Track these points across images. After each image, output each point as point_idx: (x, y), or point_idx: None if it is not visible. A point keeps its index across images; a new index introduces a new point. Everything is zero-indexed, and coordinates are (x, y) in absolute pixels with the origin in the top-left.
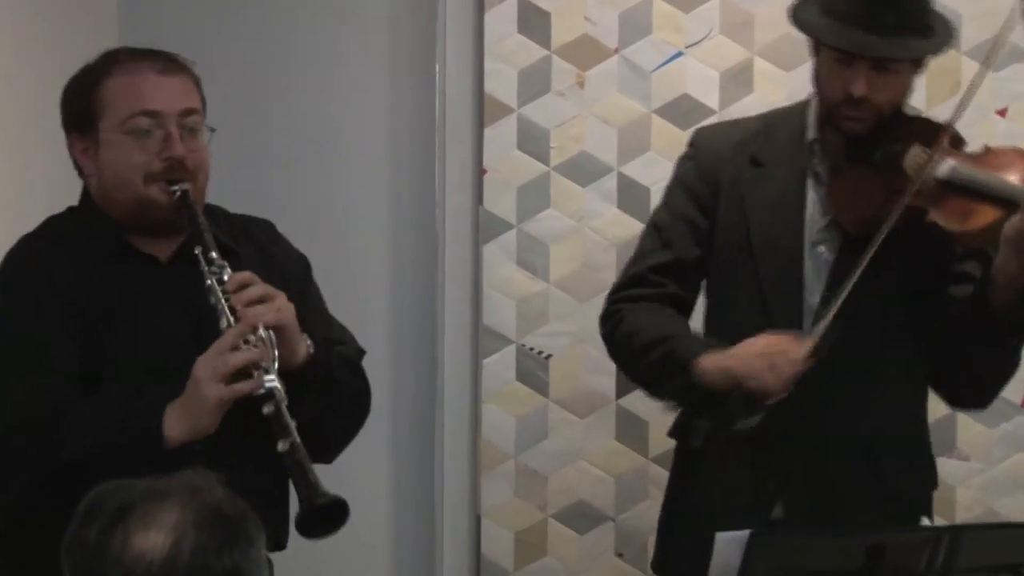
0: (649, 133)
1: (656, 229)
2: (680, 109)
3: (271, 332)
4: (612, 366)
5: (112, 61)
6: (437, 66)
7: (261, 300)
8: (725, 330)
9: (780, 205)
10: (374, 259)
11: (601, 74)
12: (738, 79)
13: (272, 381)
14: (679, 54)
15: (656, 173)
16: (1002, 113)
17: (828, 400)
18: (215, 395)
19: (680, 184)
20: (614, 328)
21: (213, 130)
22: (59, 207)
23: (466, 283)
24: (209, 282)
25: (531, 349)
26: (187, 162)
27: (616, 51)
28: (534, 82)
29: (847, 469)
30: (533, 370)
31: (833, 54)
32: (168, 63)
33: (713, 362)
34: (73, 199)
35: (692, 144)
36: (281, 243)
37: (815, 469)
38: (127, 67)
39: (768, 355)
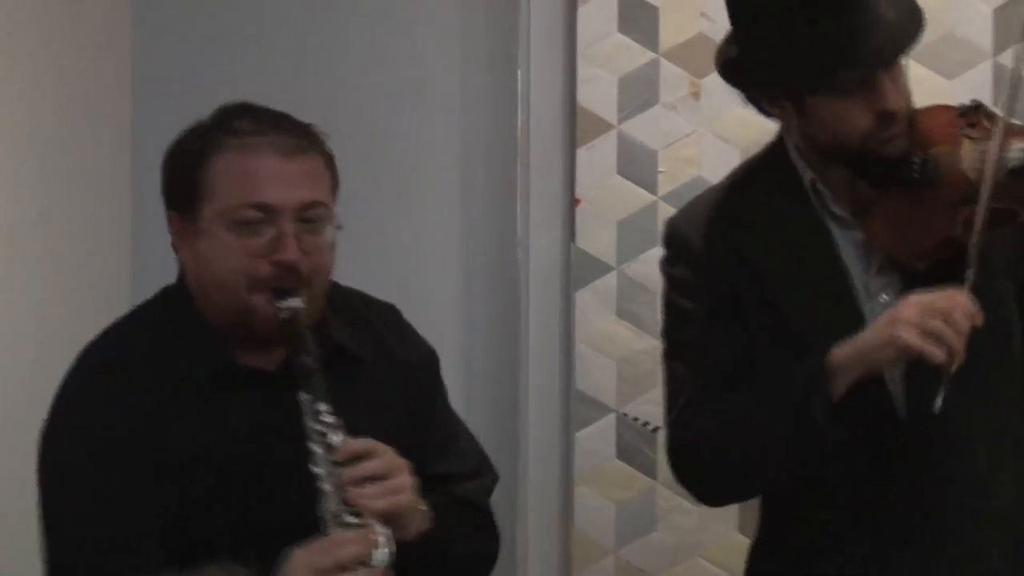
0: None
1: (680, 351)
2: None
3: (393, 544)
4: None
5: (227, 131)
6: (519, 72)
7: (374, 478)
8: None
9: (809, 266)
10: (443, 308)
11: (720, 83)
12: None
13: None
14: None
15: None
16: None
17: (947, 467)
18: None
19: (678, 289)
20: (689, 438)
21: (339, 228)
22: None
23: (554, 339)
24: (317, 450)
25: (635, 419)
26: (301, 268)
27: None
28: (638, 92)
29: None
30: (637, 445)
31: (838, 87)
32: (296, 141)
33: (857, 349)
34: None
35: (669, 240)
36: (406, 334)
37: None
38: (243, 144)
39: (934, 310)
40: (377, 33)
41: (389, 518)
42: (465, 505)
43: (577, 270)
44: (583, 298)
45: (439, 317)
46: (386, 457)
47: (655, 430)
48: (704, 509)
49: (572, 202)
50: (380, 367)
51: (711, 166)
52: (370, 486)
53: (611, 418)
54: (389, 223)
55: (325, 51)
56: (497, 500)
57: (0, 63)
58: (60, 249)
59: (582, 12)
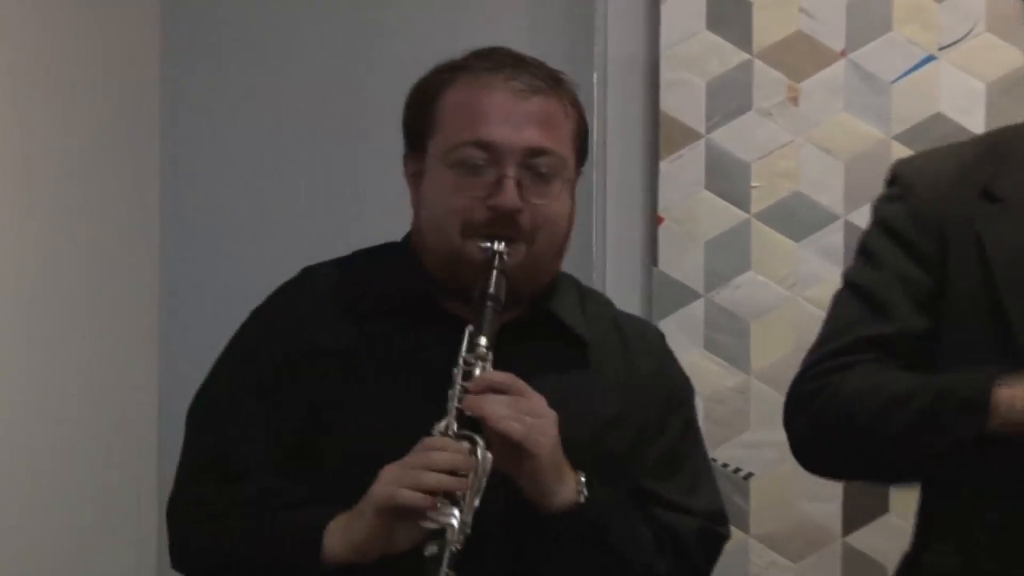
0: (888, 167)
1: (862, 292)
2: (931, 133)
3: (488, 455)
4: (837, 489)
5: (463, 67)
6: (595, 75)
7: (506, 396)
8: None
9: None
10: None
11: (822, 86)
12: (1012, 92)
13: (450, 517)
14: (930, 59)
15: None
16: None
17: None
18: (372, 503)
19: (888, 233)
20: (826, 401)
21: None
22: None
23: None
24: (454, 370)
25: (725, 466)
26: (521, 218)
27: (843, 54)
28: (729, 97)
29: None
30: (728, 494)
31: None
32: (534, 81)
33: None
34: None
35: (895, 180)
36: (662, 356)
37: None
38: (476, 77)
39: None
40: (437, 33)
41: (509, 449)
42: (663, 528)
43: (659, 297)
44: (666, 328)
45: None
46: (531, 392)
47: (748, 477)
48: (804, 565)
49: (654, 221)
50: (610, 360)
51: (811, 180)
52: (498, 405)
53: None
54: None
55: (391, 50)
56: None
57: (22, 55)
58: (89, 251)
59: (666, 8)
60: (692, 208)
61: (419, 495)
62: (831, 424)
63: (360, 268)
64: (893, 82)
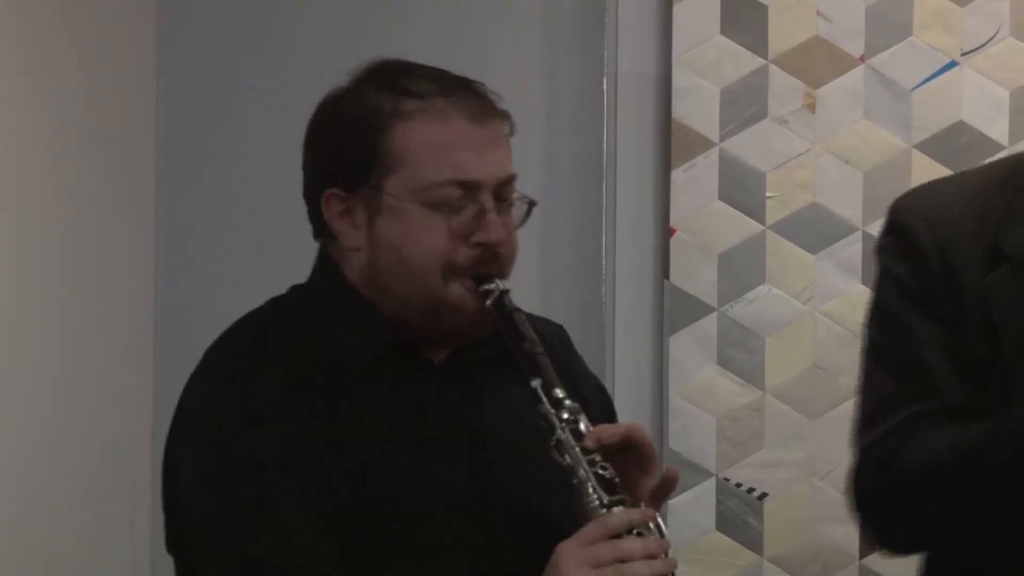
0: (908, 176)
1: (898, 364)
2: (953, 143)
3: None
4: None
5: (402, 92)
6: (605, 81)
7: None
8: None
9: None
10: None
11: (840, 93)
12: None
13: None
14: (952, 64)
15: None
16: None
17: None
18: None
19: (903, 293)
20: (900, 477)
21: (533, 203)
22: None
23: (645, 390)
24: (562, 436)
25: (738, 485)
26: (502, 251)
27: (862, 60)
28: (744, 105)
29: None
30: (741, 515)
31: None
32: (482, 104)
33: None
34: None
35: (898, 231)
36: (578, 358)
37: None
38: (433, 110)
39: None
40: (446, 36)
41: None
42: None
43: (671, 312)
44: (679, 344)
45: None
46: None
47: (762, 497)
48: None
49: (666, 232)
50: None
51: (828, 190)
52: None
53: (710, 484)
54: None
55: (397, 56)
56: None
57: (18, 63)
58: (82, 256)
59: (679, 11)
60: (705, 219)
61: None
62: (914, 501)
63: (312, 318)
64: (914, 89)
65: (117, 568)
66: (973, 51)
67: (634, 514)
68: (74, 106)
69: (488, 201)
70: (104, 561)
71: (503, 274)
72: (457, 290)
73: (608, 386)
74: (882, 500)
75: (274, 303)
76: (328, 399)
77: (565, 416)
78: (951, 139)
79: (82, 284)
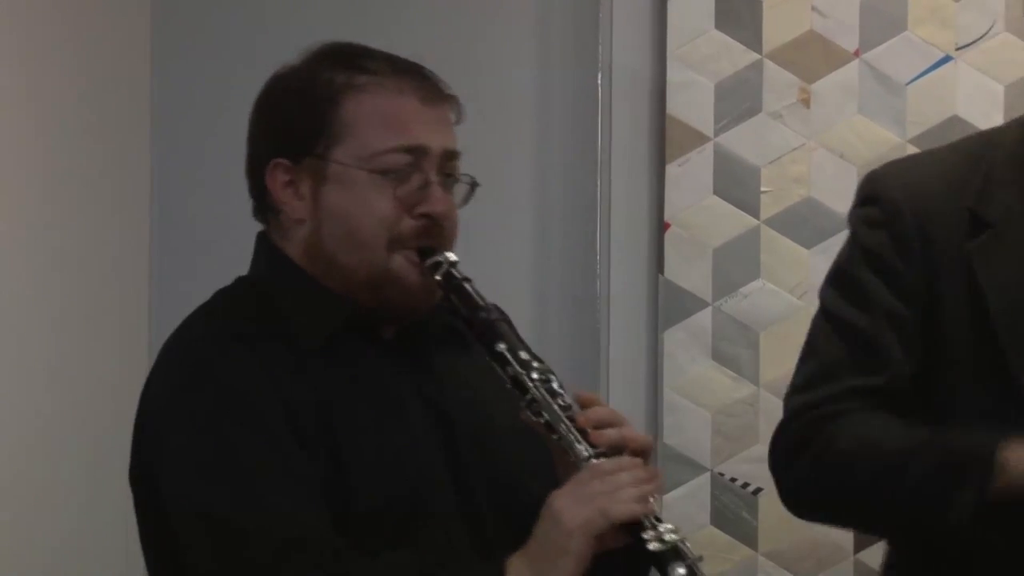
0: None
1: (848, 331)
2: (948, 136)
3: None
4: None
5: (356, 69)
6: (600, 76)
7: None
8: None
9: None
10: None
11: (835, 88)
12: None
13: (673, 534)
14: (946, 59)
15: None
16: None
17: None
18: (582, 530)
19: (871, 262)
20: (820, 453)
21: (475, 184)
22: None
23: (639, 386)
24: (537, 395)
25: (733, 480)
26: (447, 224)
27: (856, 55)
28: (739, 99)
29: None
30: (736, 510)
31: None
32: (432, 87)
33: None
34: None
35: (875, 200)
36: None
37: None
38: (387, 84)
39: None
40: (439, 32)
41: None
42: None
43: (666, 307)
44: (673, 339)
45: None
46: (612, 410)
47: (756, 492)
48: None
49: (660, 227)
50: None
51: (823, 185)
52: (612, 430)
53: (705, 479)
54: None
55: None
56: None
57: (14, 60)
58: (78, 252)
59: (672, 6)
60: (700, 214)
61: (637, 506)
62: (827, 482)
63: (262, 302)
64: (908, 83)
65: (111, 564)
66: (968, 46)
67: (623, 460)
68: (69, 103)
69: (433, 173)
70: (98, 557)
71: (446, 248)
72: (400, 262)
73: (602, 381)
74: (797, 467)
75: (222, 294)
76: (290, 380)
77: (535, 377)
78: (946, 134)
79: (78, 281)
